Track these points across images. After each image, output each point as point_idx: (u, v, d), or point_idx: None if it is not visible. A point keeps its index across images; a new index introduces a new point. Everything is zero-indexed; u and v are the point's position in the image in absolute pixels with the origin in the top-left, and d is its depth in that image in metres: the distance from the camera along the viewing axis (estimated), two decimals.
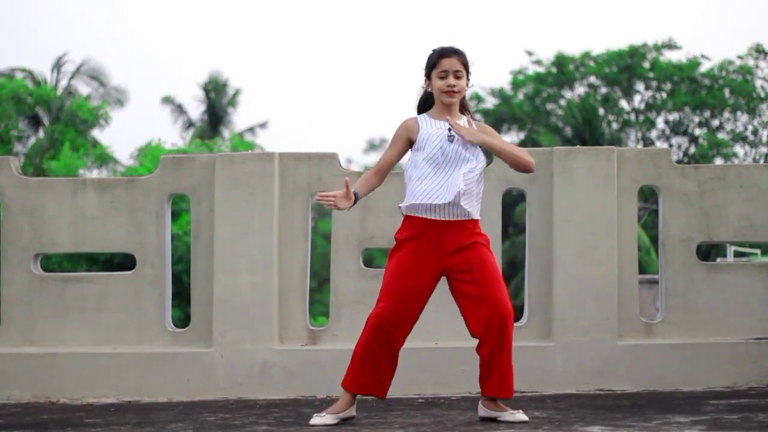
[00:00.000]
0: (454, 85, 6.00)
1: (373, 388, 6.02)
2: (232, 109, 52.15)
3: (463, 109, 6.18)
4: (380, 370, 5.99)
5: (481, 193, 6.02)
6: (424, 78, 6.14)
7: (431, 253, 5.93)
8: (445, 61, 6.02)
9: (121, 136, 71.18)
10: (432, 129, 6.00)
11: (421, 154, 5.96)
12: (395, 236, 6.05)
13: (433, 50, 6.10)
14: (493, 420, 5.99)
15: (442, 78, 6.02)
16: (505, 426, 5.81)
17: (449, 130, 5.98)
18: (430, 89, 6.12)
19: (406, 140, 6.05)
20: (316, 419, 5.97)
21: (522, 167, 6.07)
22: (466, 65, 6.05)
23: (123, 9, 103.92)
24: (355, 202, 5.98)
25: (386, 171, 6.13)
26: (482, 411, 6.08)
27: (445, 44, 6.11)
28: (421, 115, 6.12)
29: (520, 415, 5.98)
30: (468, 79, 6.08)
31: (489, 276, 5.93)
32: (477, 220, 5.99)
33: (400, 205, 6.02)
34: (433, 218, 5.91)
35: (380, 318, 5.88)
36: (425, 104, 6.21)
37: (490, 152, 6.06)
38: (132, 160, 40.17)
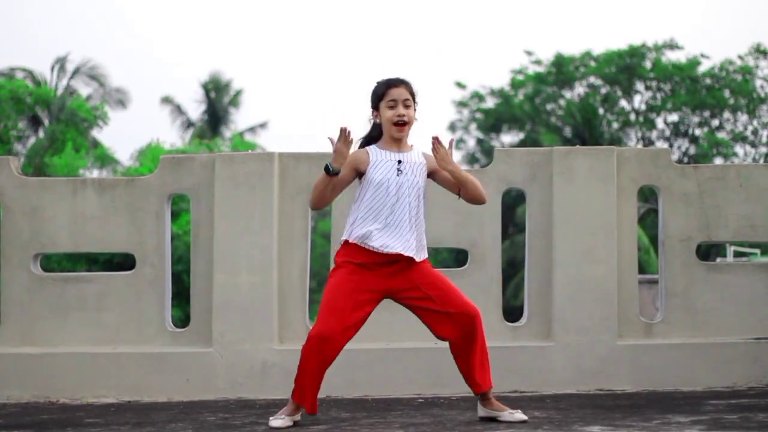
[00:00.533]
0: (403, 115, 5.97)
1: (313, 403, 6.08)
2: (233, 110, 52.15)
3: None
4: (317, 386, 6.02)
5: (423, 230, 6.05)
6: (371, 110, 6.12)
7: (371, 276, 5.95)
8: (393, 91, 6.00)
9: (121, 136, 71.09)
10: (381, 161, 5.99)
11: (370, 185, 5.96)
12: (335, 259, 6.08)
13: (379, 82, 6.09)
14: (493, 420, 6.00)
15: (391, 108, 5.99)
16: (504, 426, 5.82)
17: (399, 162, 5.99)
18: (378, 120, 6.08)
19: (353, 169, 6.00)
20: (276, 422, 6.02)
21: (477, 200, 6.09)
22: (413, 95, 6.04)
23: (123, 9, 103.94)
24: (336, 174, 5.91)
25: (335, 191, 6.04)
26: (481, 411, 6.09)
27: (392, 75, 6.09)
28: (371, 147, 6.08)
29: (519, 415, 5.99)
30: (415, 110, 6.06)
31: (440, 288, 6.00)
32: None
33: (344, 238, 6.03)
34: (375, 250, 5.94)
35: (320, 338, 5.86)
36: (369, 140, 6.15)
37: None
38: (132, 161, 40.13)
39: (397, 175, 5.95)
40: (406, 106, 5.99)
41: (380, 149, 6.04)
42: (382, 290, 5.97)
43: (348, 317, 5.88)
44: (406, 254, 5.91)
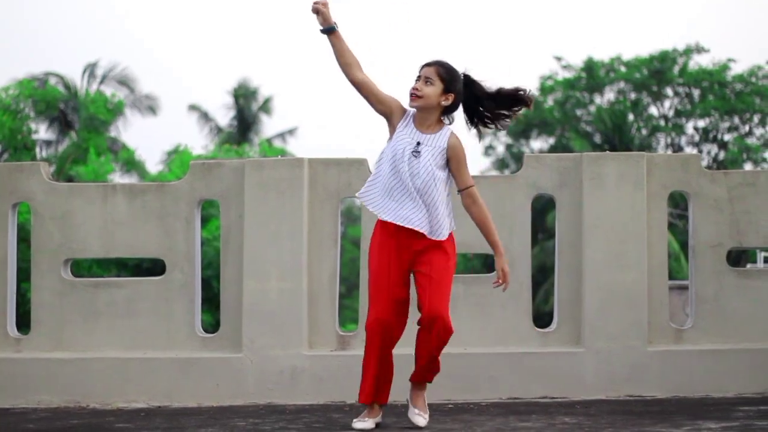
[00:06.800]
0: (416, 89, 6.07)
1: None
2: (264, 116, 52.12)
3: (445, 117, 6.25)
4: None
5: (447, 213, 6.14)
6: None
7: (396, 252, 6.10)
8: (422, 70, 6.15)
9: (149, 143, 71.41)
10: (404, 133, 6.11)
11: (387, 155, 6.10)
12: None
13: None
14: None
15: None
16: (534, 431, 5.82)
17: (417, 144, 6.06)
18: None
19: (389, 108, 6.15)
20: (359, 424, 6.17)
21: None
22: (442, 77, 6.10)
23: (155, 19, 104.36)
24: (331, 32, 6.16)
25: (365, 86, 6.15)
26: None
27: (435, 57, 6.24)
28: (410, 113, 6.18)
29: (420, 419, 6.20)
30: (449, 93, 6.11)
31: (434, 279, 6.06)
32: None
33: (358, 195, 6.20)
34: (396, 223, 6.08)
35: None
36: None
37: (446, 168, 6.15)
38: (161, 165, 40.19)
39: (413, 156, 6.03)
40: (426, 83, 6.07)
41: (411, 122, 6.14)
42: (407, 266, 6.12)
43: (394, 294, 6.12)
44: (412, 227, 6.02)
